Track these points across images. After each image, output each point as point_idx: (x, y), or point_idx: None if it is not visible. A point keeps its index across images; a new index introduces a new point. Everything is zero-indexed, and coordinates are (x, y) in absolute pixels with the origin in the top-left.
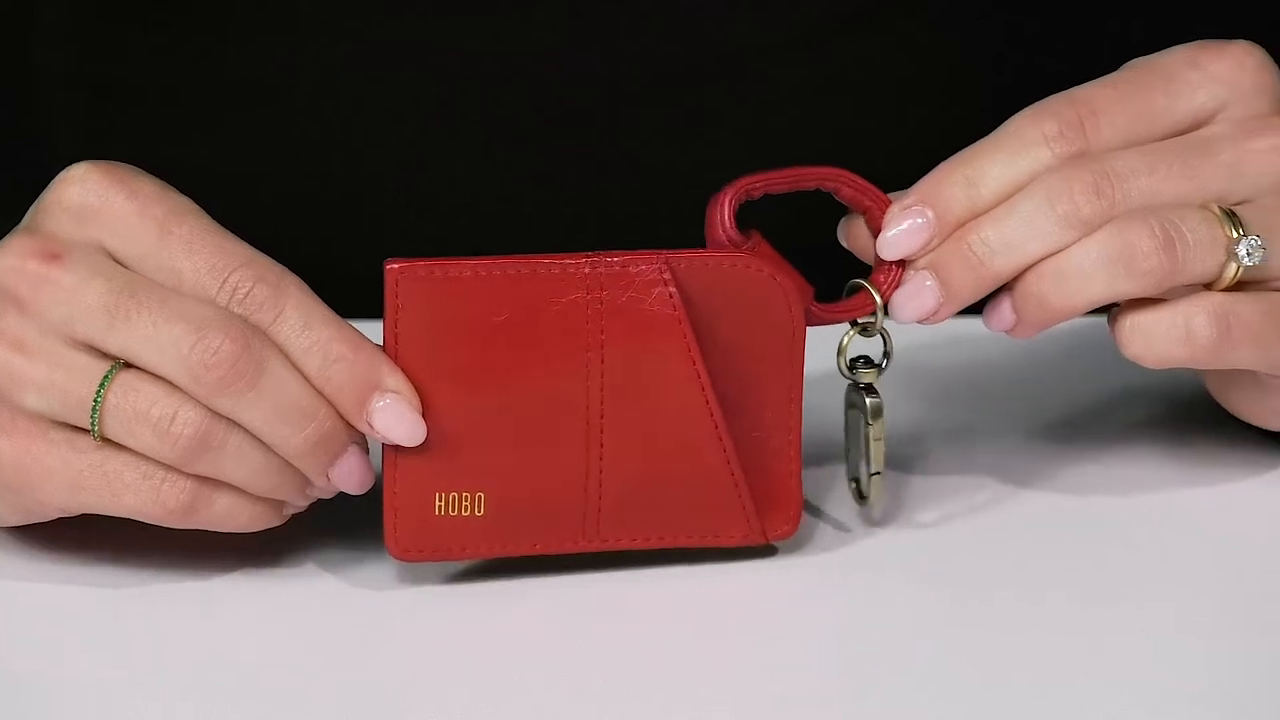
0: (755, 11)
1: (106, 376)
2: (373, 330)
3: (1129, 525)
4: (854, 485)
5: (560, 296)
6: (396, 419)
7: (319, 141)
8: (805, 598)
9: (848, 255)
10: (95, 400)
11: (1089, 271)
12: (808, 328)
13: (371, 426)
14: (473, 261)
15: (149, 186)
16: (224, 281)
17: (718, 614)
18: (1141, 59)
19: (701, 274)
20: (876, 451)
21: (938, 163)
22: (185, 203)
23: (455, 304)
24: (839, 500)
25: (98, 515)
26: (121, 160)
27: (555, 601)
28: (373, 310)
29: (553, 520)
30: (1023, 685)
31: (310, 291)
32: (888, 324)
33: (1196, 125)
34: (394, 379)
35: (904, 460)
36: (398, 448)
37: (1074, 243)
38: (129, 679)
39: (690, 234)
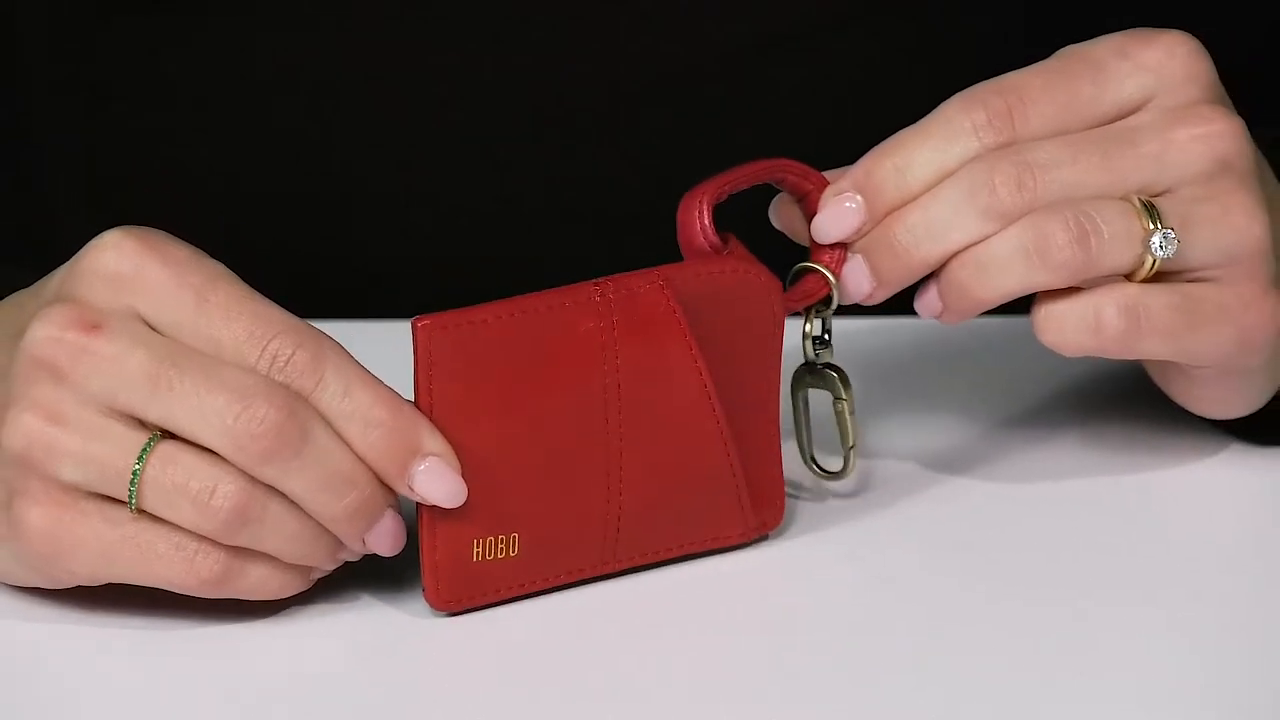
0: (755, 11)
1: (145, 448)
2: (377, 330)
3: (1105, 512)
4: (814, 465)
5: (576, 327)
6: (438, 482)
7: (319, 142)
8: (793, 581)
9: (782, 246)
10: (134, 472)
11: (1006, 262)
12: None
13: (413, 490)
14: (492, 306)
15: (182, 253)
16: (264, 349)
17: (712, 605)
18: (1073, 46)
19: (693, 284)
20: (853, 425)
21: None
22: (219, 268)
23: (481, 351)
24: (802, 481)
25: None
26: (122, 161)
27: (556, 600)
28: (373, 310)
29: (577, 548)
30: (1015, 671)
31: (348, 354)
32: (890, 325)
33: (1125, 114)
34: (433, 441)
35: (909, 468)
36: None
37: (995, 233)
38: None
39: None
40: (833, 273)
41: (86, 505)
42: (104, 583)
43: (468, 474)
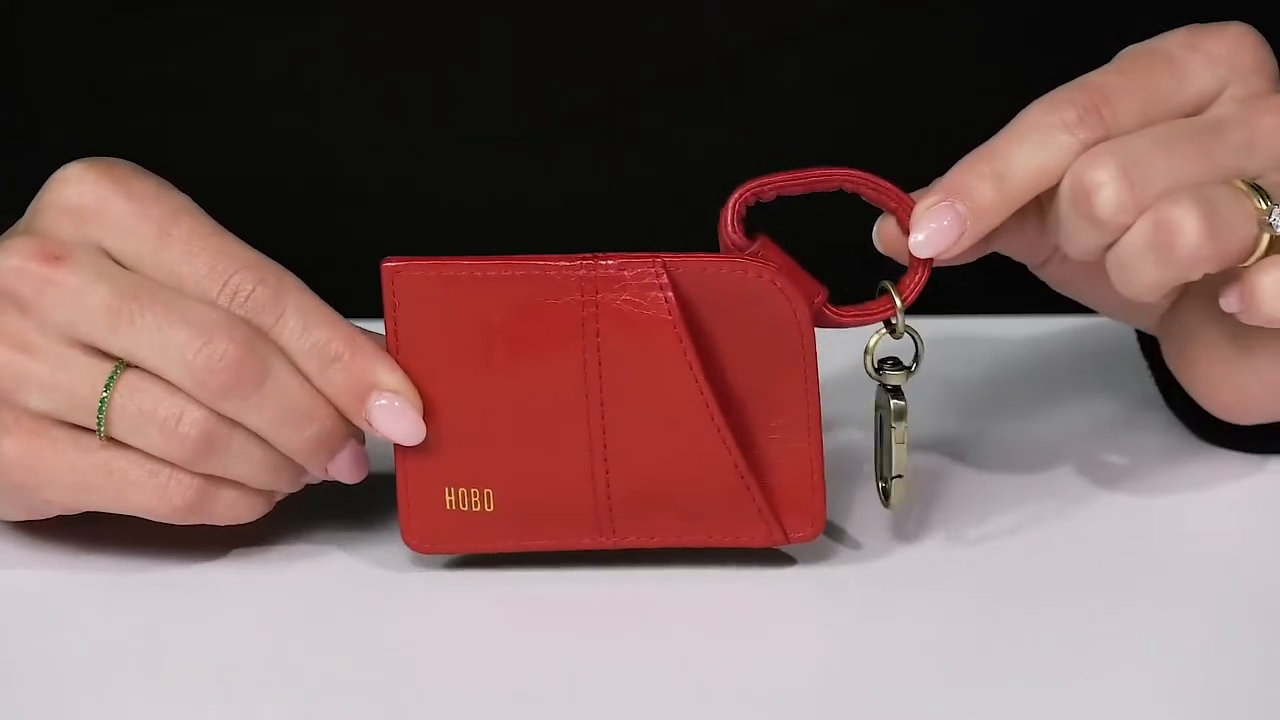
0: (755, 11)
1: (112, 376)
2: (376, 330)
3: (1152, 536)
4: (880, 487)
5: (555, 298)
6: (395, 418)
7: (319, 141)
8: (815, 609)
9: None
10: (101, 401)
11: (1135, 259)
12: (826, 329)
13: (371, 425)
14: (469, 261)
15: (146, 186)
16: (225, 284)
17: (721, 621)
18: (1138, 45)
19: (700, 277)
20: (899, 455)
21: (939, 162)
22: (183, 201)
23: (451, 303)
24: (869, 507)
25: None
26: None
27: (562, 600)
28: (375, 309)
29: (564, 517)
30: (1015, 672)
31: (309, 291)
32: (917, 326)
33: (1202, 106)
34: (392, 378)
35: (934, 468)
36: None
37: (1115, 238)
38: (132, 666)
39: (690, 234)
40: (904, 295)
41: (57, 433)
42: (81, 511)
43: (435, 420)
